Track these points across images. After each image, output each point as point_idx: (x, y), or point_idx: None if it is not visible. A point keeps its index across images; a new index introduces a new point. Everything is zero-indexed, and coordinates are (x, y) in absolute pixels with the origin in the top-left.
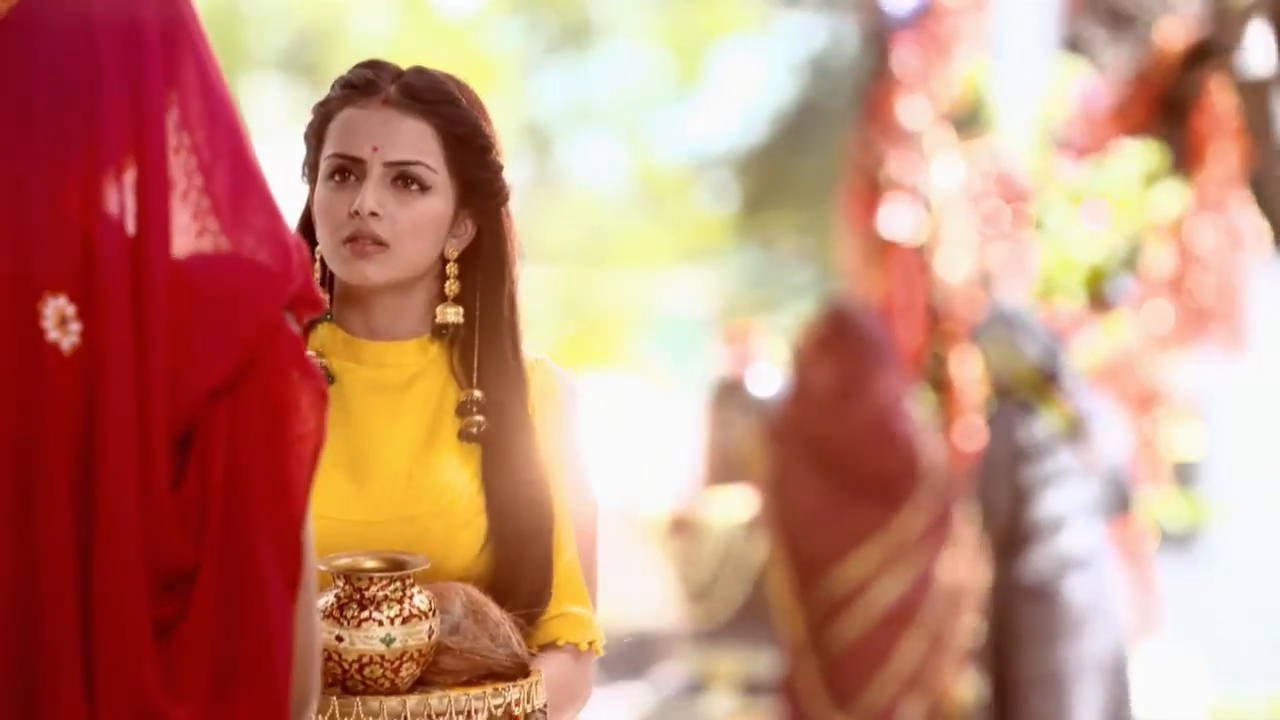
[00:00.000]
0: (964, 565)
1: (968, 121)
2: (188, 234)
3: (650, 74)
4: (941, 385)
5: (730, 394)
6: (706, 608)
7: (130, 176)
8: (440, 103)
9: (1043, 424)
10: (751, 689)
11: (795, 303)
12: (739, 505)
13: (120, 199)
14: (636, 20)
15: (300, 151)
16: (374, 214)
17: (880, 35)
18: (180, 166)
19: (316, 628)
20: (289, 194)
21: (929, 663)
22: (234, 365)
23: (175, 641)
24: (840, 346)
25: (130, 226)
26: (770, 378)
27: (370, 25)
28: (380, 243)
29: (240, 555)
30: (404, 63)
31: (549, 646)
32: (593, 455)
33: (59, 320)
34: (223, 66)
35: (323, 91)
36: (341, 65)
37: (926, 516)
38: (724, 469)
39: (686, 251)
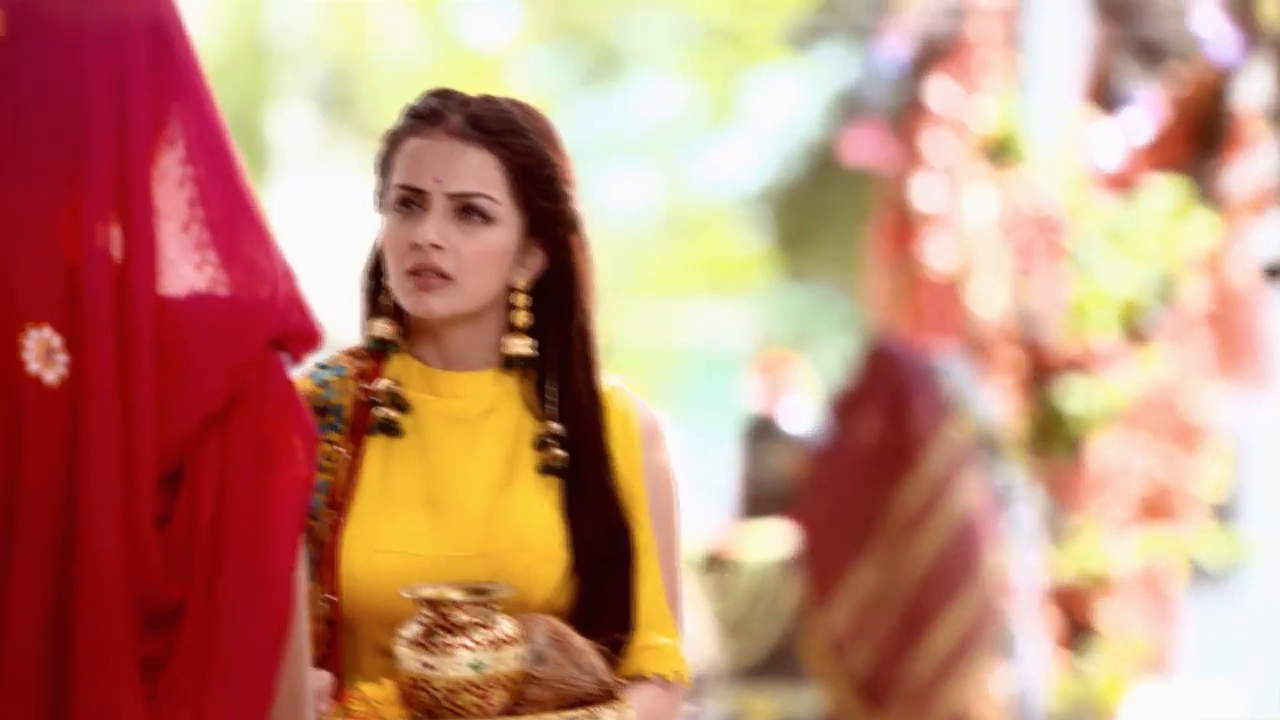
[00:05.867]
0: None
1: (1000, 154)
2: (187, 265)
3: (683, 107)
4: None
5: (764, 429)
6: (742, 644)
7: (117, 209)
8: (505, 133)
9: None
10: None
11: (830, 338)
12: (774, 541)
13: (107, 231)
14: (669, 53)
15: (333, 183)
16: (436, 246)
17: (913, 68)
18: (184, 198)
19: (306, 675)
20: (326, 225)
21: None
22: (222, 398)
23: (161, 681)
24: (883, 392)
25: (117, 259)
26: (804, 413)
27: (402, 58)
28: (443, 275)
29: (224, 596)
30: None
31: (635, 678)
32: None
33: (43, 352)
34: (255, 100)
35: (356, 124)
36: (374, 97)
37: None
38: (758, 504)
39: (719, 286)
